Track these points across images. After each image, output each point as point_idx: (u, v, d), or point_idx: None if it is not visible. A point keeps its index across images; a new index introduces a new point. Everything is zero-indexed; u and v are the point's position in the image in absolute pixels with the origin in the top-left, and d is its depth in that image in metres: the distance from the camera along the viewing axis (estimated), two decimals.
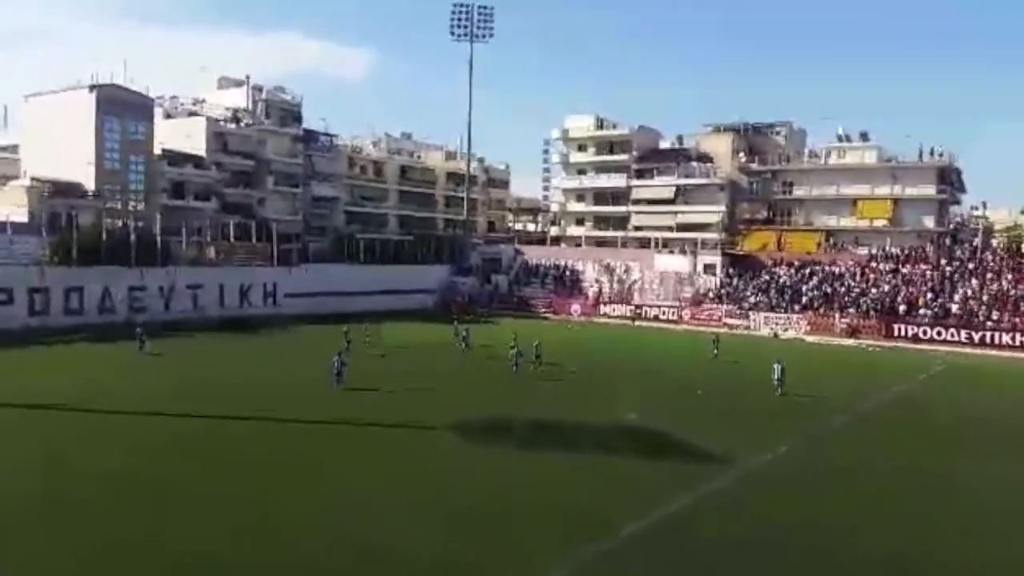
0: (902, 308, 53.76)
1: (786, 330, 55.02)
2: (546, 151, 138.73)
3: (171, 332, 43.29)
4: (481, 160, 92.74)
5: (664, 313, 61.13)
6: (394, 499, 17.25)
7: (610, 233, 78.17)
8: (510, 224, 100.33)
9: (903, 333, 51.24)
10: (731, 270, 64.54)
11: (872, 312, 53.98)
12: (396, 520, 15.89)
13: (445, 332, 46.26)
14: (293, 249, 62.44)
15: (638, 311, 62.02)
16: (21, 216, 49.95)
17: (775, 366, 31.04)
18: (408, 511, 16.48)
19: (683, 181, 74.65)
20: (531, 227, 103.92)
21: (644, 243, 72.85)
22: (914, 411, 29.23)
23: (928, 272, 57.23)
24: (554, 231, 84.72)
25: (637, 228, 76.62)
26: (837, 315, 54.63)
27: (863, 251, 63.53)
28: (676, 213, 74.14)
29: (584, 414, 26.49)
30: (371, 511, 16.42)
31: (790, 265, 63.08)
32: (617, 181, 78.80)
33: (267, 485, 17.91)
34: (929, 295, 54.31)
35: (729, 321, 57.54)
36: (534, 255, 75.58)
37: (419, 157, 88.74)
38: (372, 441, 22.42)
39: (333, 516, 16.00)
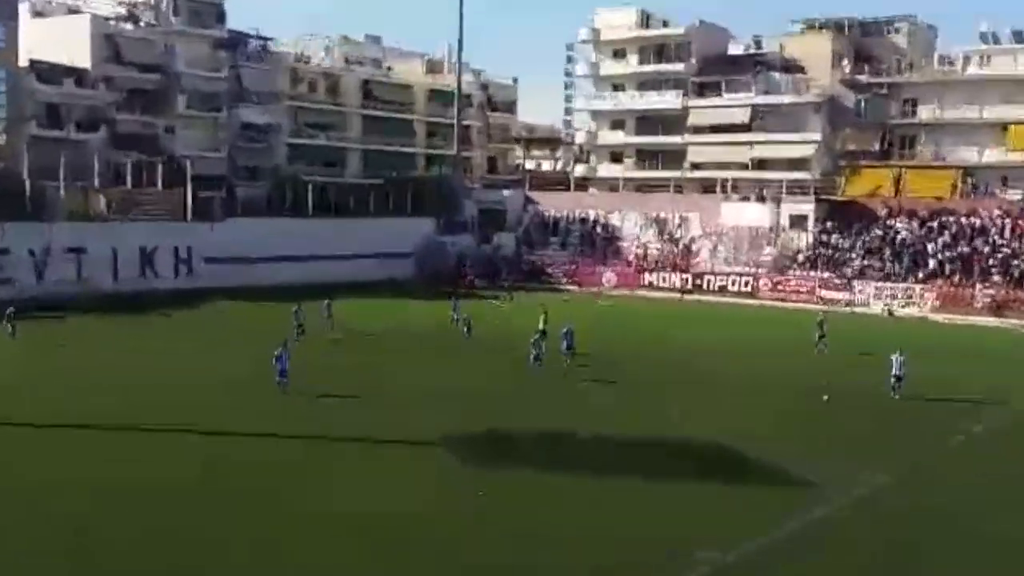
0: None
1: (905, 306, 54.89)
2: (569, 60, 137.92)
3: (47, 313, 43.16)
4: (478, 73, 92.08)
5: (734, 284, 61.07)
6: (377, 545, 17.16)
7: (659, 173, 77.75)
8: (518, 162, 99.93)
9: None
10: (829, 224, 64.12)
11: None
12: None
13: (431, 312, 46.13)
14: (215, 197, 62.25)
15: (696, 281, 61.95)
16: None
17: (894, 359, 30.90)
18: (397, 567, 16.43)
19: (762, 99, 73.89)
20: (547, 166, 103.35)
21: (707, 187, 72.48)
22: None
23: None
24: (580, 171, 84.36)
25: (696, 166, 76.16)
26: (978, 285, 54.45)
27: (1015, 196, 63.14)
28: (752, 144, 73.57)
29: (633, 426, 26.48)
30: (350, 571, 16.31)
31: (912, 216, 62.61)
32: (669, 101, 78.09)
33: (200, 526, 17.83)
34: None
35: (826, 294, 57.41)
36: (552, 204, 75.28)
37: (390, 69, 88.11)
38: (341, 466, 22.16)
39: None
